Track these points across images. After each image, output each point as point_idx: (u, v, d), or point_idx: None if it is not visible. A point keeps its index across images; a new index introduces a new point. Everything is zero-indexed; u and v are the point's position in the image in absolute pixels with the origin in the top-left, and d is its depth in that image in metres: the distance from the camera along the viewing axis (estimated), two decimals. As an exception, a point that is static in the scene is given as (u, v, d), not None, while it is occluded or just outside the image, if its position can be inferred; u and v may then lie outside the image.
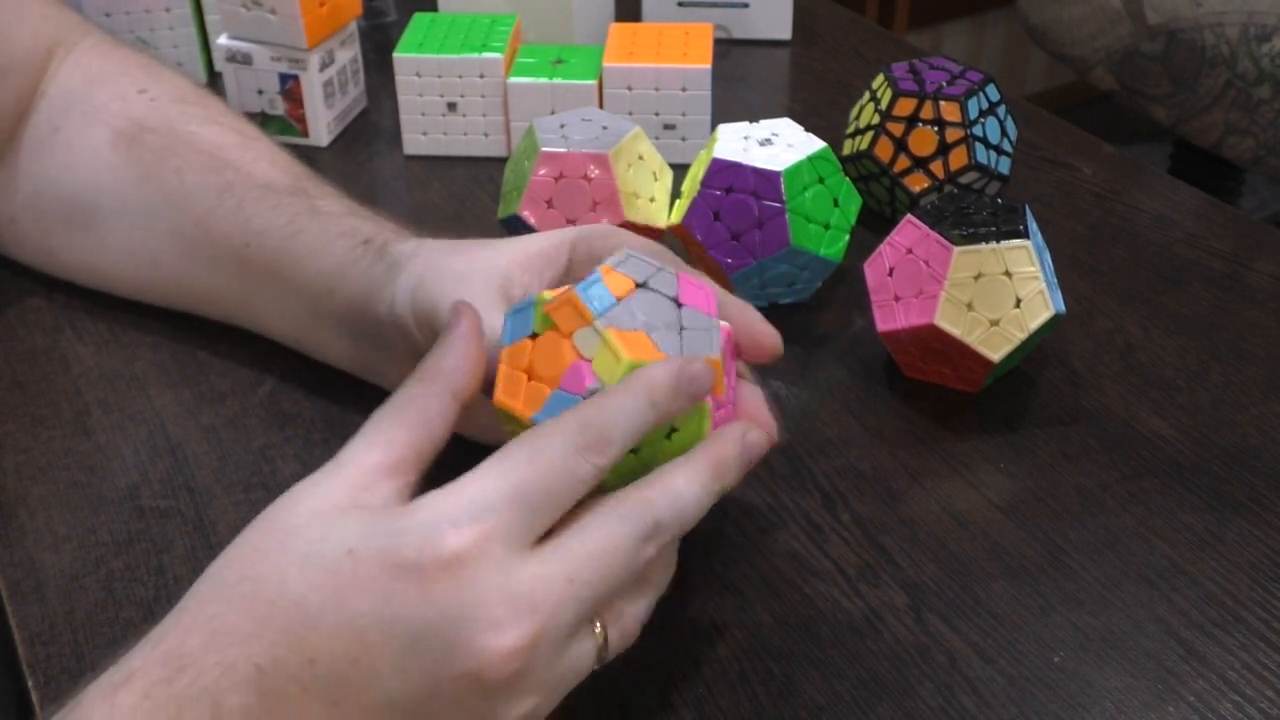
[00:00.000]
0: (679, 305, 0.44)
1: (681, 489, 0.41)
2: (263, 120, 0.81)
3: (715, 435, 0.43)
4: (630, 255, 0.45)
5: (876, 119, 0.71)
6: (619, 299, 0.42)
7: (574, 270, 0.50)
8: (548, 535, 0.39)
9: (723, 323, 0.46)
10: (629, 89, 0.78)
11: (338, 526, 0.38)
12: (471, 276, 0.49)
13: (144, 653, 0.37)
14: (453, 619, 0.37)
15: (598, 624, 0.40)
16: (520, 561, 0.38)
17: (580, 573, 0.38)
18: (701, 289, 0.45)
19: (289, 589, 0.37)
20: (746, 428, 0.44)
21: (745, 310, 0.49)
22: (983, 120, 0.70)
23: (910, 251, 0.58)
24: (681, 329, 0.43)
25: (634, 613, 0.41)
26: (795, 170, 0.62)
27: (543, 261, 0.50)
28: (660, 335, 0.42)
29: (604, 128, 0.65)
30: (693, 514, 0.42)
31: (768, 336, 0.49)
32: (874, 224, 0.71)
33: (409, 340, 0.52)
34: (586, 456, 0.39)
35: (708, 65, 0.77)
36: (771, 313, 0.65)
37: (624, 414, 0.40)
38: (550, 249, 0.50)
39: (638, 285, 0.43)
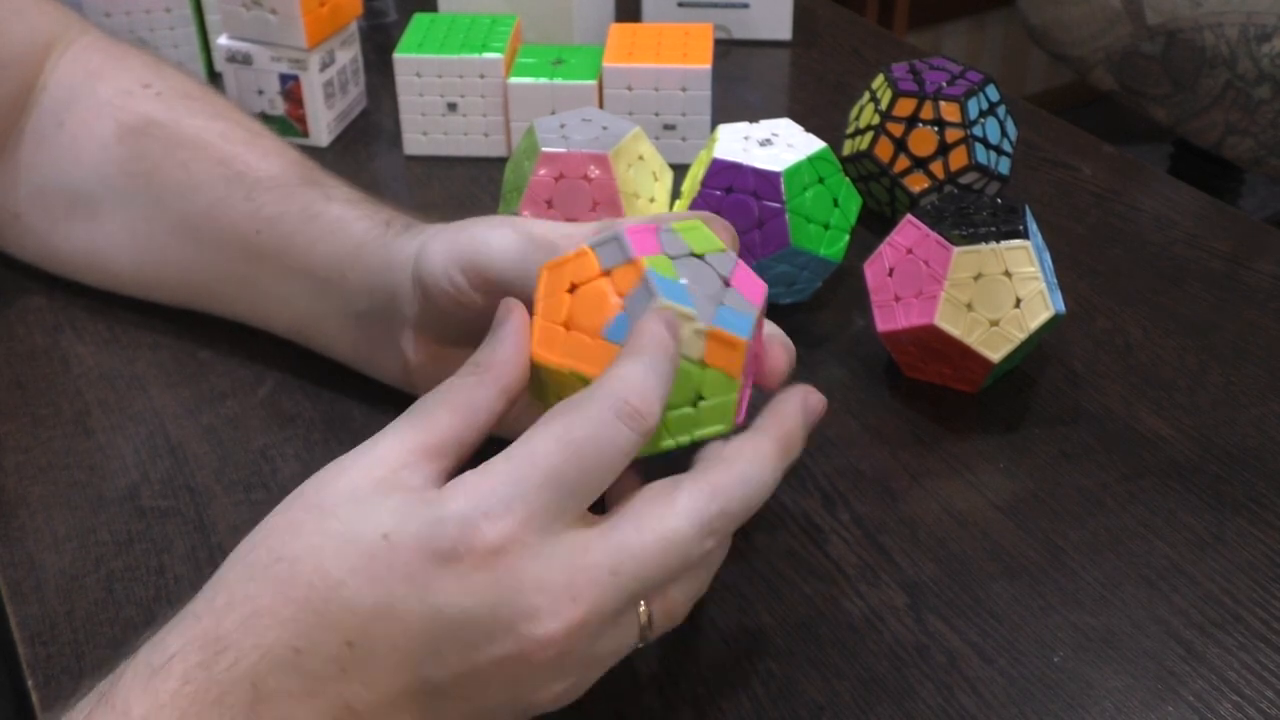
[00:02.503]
0: (727, 285, 0.43)
1: (750, 474, 0.40)
2: (263, 120, 0.81)
3: (775, 405, 0.42)
4: (698, 227, 0.44)
5: (876, 119, 0.71)
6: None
7: None
8: (603, 510, 0.39)
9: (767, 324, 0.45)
10: (629, 89, 0.78)
11: (373, 506, 0.38)
12: (512, 225, 0.49)
13: (181, 632, 0.37)
14: (491, 607, 0.37)
15: (642, 605, 0.39)
16: (559, 545, 0.37)
17: (626, 565, 0.37)
18: (756, 282, 0.44)
19: (327, 572, 0.37)
20: (806, 391, 0.43)
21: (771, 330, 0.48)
22: (982, 120, 0.70)
23: (910, 251, 0.58)
24: (720, 304, 0.42)
25: (683, 594, 0.40)
26: (795, 170, 0.62)
27: (568, 244, 0.50)
28: (699, 303, 0.41)
29: (604, 128, 0.65)
30: (761, 498, 0.40)
31: (781, 360, 0.47)
32: (874, 224, 0.71)
33: (431, 299, 0.51)
34: (627, 422, 0.38)
35: (708, 65, 0.77)
36: (772, 313, 0.65)
37: (654, 369, 0.39)
38: (575, 236, 0.50)
39: (695, 255, 0.43)
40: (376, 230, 0.55)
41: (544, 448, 0.38)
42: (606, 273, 0.42)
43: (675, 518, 0.38)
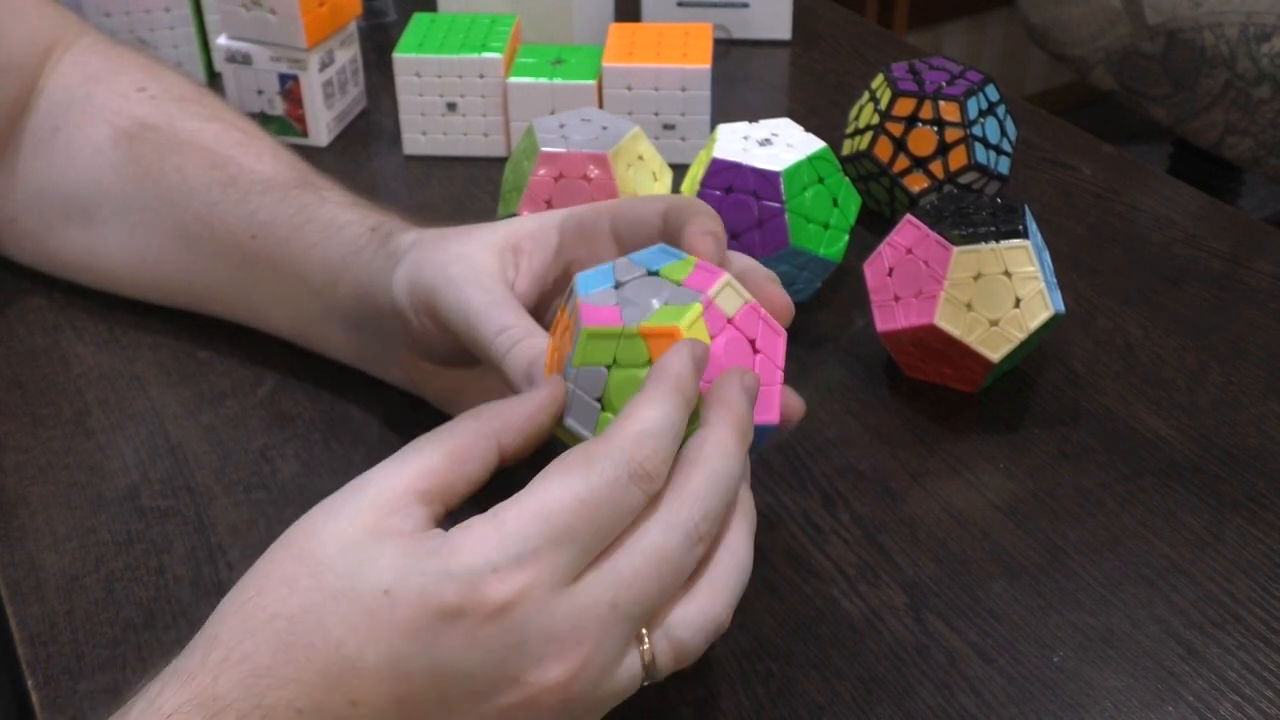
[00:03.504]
0: (679, 286, 0.43)
1: (720, 469, 0.39)
2: (262, 120, 0.81)
3: (719, 394, 0.41)
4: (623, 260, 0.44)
5: (876, 119, 0.71)
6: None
7: (568, 249, 0.50)
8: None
9: (750, 300, 0.44)
10: (628, 89, 0.78)
11: (371, 559, 0.37)
12: (469, 257, 0.49)
13: (176, 691, 0.36)
14: (498, 661, 0.36)
15: (646, 643, 0.38)
16: (564, 597, 0.37)
17: (624, 595, 0.37)
18: (711, 273, 0.43)
19: (328, 631, 0.36)
20: (740, 372, 0.42)
21: (755, 272, 0.47)
22: (982, 120, 0.70)
23: (910, 251, 0.58)
24: (658, 303, 0.42)
25: (689, 628, 0.39)
26: (795, 170, 0.62)
27: (532, 244, 0.50)
28: (630, 310, 0.42)
29: (603, 128, 0.65)
30: (733, 490, 0.40)
31: (778, 300, 0.46)
32: (874, 224, 0.71)
33: (407, 328, 0.52)
34: (639, 484, 0.37)
35: (707, 65, 0.77)
36: (771, 313, 0.65)
37: (670, 426, 0.39)
38: (539, 232, 0.50)
39: (650, 274, 0.43)
40: (363, 239, 0.55)
41: (559, 503, 0.37)
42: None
43: (661, 533, 0.38)
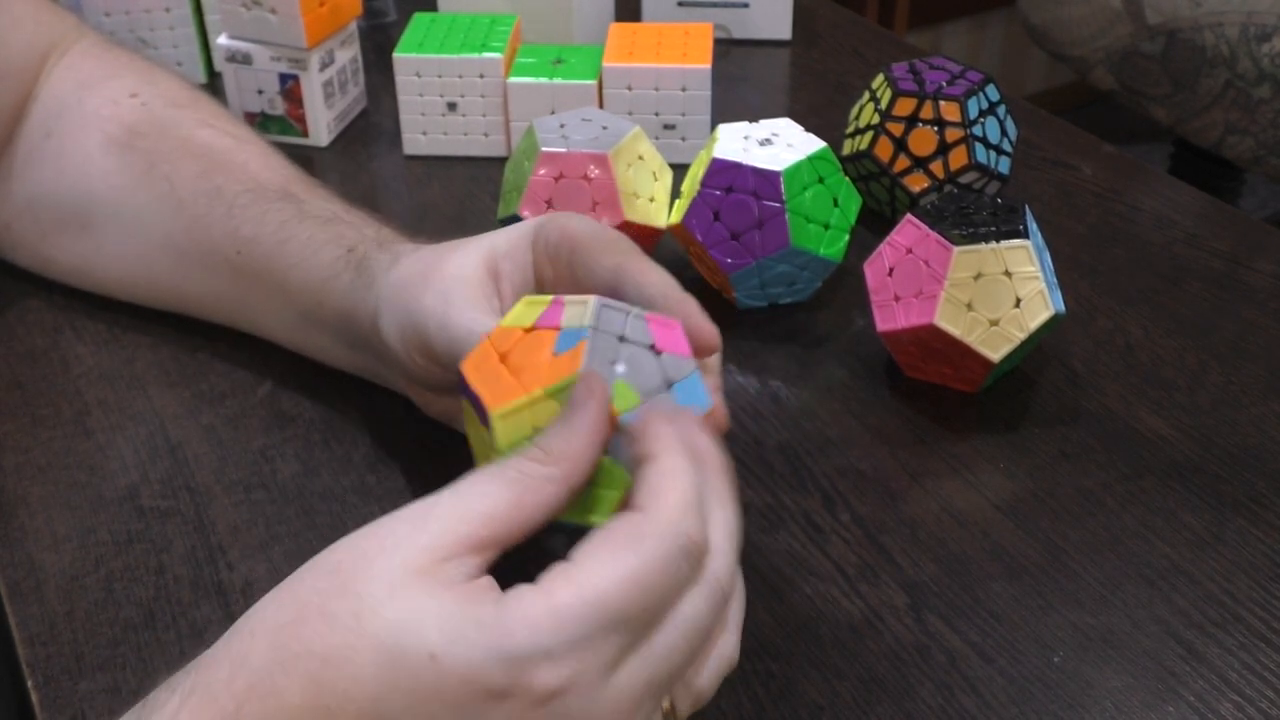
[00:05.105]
0: (657, 353, 0.41)
1: (730, 518, 0.39)
2: (263, 120, 0.81)
3: (708, 467, 0.40)
4: (603, 306, 0.41)
5: (876, 119, 0.71)
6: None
7: (538, 266, 0.49)
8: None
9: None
10: (629, 89, 0.78)
11: (418, 611, 0.35)
12: (453, 292, 0.48)
13: (194, 711, 0.35)
14: None
15: (666, 701, 0.39)
16: (608, 686, 0.36)
17: (659, 670, 0.37)
18: (669, 327, 0.42)
19: (363, 684, 0.35)
20: (690, 417, 0.41)
21: (686, 304, 0.45)
22: (982, 120, 0.70)
23: (910, 251, 0.58)
24: (669, 384, 0.41)
25: (710, 681, 0.39)
26: (795, 170, 0.62)
27: (510, 264, 0.49)
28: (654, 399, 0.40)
29: (604, 128, 0.65)
30: (740, 531, 0.40)
31: (705, 331, 0.45)
32: (874, 224, 0.71)
33: (402, 364, 0.51)
34: (689, 559, 0.37)
35: (707, 65, 0.77)
36: (771, 312, 0.65)
37: (698, 488, 0.38)
38: (515, 251, 0.49)
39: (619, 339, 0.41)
40: (339, 265, 0.54)
41: (614, 587, 0.35)
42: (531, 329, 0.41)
43: (696, 600, 0.37)
